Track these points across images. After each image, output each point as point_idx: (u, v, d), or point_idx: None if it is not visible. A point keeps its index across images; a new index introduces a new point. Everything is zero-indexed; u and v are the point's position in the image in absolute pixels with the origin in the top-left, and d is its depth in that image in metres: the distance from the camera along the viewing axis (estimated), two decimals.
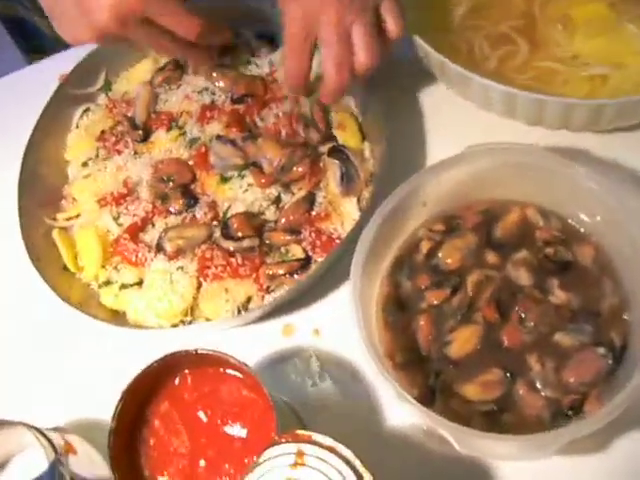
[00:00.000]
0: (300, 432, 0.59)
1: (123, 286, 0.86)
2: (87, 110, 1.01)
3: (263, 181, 0.86)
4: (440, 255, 0.75)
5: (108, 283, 0.87)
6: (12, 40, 1.28)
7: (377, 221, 0.73)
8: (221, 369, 0.71)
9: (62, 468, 0.67)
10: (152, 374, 0.70)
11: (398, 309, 0.74)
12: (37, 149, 0.95)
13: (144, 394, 0.71)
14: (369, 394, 0.78)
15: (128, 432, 0.70)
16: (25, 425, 0.71)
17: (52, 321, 0.87)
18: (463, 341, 0.70)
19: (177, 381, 0.72)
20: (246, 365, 0.67)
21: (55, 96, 0.98)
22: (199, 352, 0.69)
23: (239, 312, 0.82)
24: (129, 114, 0.97)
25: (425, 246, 0.76)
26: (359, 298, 0.70)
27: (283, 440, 0.59)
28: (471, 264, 0.74)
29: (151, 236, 0.88)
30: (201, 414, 0.71)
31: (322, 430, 0.59)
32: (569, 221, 0.76)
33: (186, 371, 0.72)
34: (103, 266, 0.88)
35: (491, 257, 0.74)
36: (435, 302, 0.73)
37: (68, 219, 0.93)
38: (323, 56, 0.78)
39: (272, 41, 0.98)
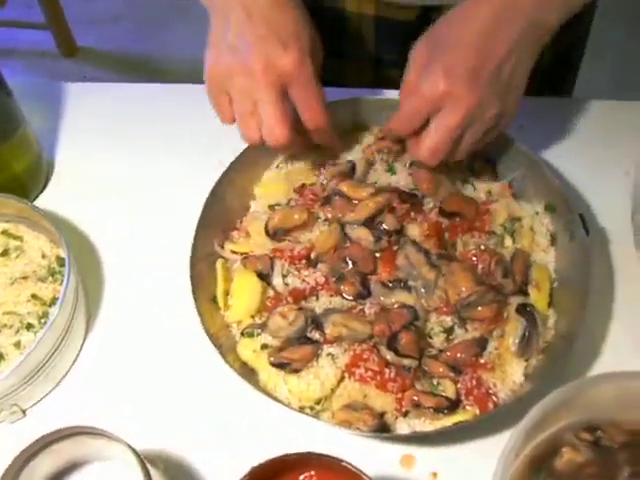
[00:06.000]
0: None
1: (264, 346, 0.83)
2: (293, 156, 0.97)
3: (444, 309, 0.83)
4: None
5: (251, 335, 0.84)
6: None
7: (534, 417, 0.69)
8: None
9: None
10: (284, 464, 0.66)
11: None
12: (232, 172, 0.92)
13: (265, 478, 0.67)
14: None
15: None
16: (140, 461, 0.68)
17: (188, 343, 0.86)
18: None
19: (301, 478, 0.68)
20: None
21: None
22: (344, 464, 0.65)
23: None
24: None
25: (567, 454, 0.72)
26: None
27: None
28: None
29: (311, 307, 0.84)
30: None
31: None
32: None
33: (312, 472, 0.68)
34: (252, 316, 0.85)
35: None
36: None
37: (234, 252, 0.90)
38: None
39: (494, 169, 0.96)
